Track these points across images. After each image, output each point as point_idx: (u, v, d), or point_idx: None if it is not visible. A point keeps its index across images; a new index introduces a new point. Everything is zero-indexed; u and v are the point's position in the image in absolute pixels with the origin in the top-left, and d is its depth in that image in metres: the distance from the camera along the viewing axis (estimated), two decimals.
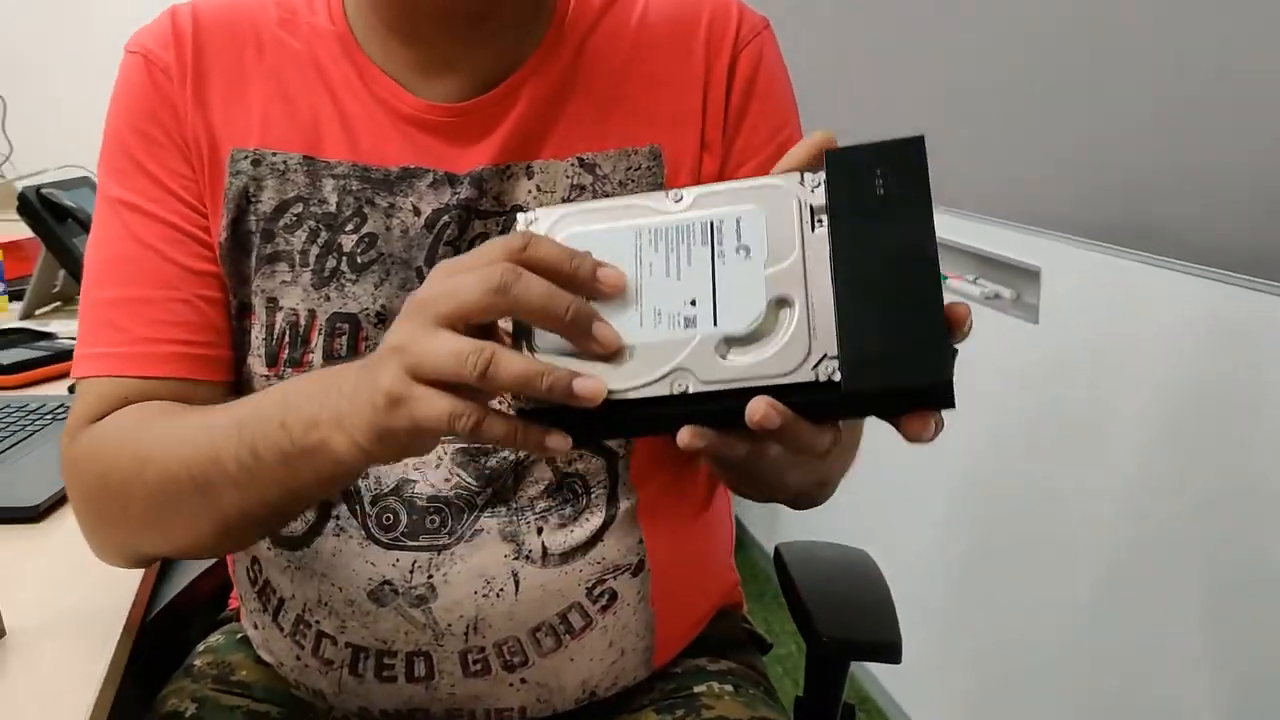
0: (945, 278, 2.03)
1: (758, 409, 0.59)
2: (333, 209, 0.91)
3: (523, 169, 0.92)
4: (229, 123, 0.93)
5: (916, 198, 0.61)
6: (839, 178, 0.63)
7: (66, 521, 1.12)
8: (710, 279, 0.63)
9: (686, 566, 1.02)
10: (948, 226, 2.01)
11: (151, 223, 0.92)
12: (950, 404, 0.59)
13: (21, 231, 2.09)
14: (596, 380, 0.62)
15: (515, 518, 0.92)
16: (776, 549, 1.26)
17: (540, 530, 0.93)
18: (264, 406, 0.77)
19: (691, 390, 0.61)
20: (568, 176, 0.92)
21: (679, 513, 1.01)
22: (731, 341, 0.61)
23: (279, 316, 0.92)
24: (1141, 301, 1.56)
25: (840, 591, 1.21)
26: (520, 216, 0.68)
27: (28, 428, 1.38)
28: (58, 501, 1.16)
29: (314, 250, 0.91)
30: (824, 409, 0.61)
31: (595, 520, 0.94)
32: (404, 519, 0.92)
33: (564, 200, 0.92)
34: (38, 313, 2.05)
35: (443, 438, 0.70)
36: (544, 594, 0.93)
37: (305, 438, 0.71)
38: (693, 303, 0.63)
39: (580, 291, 0.63)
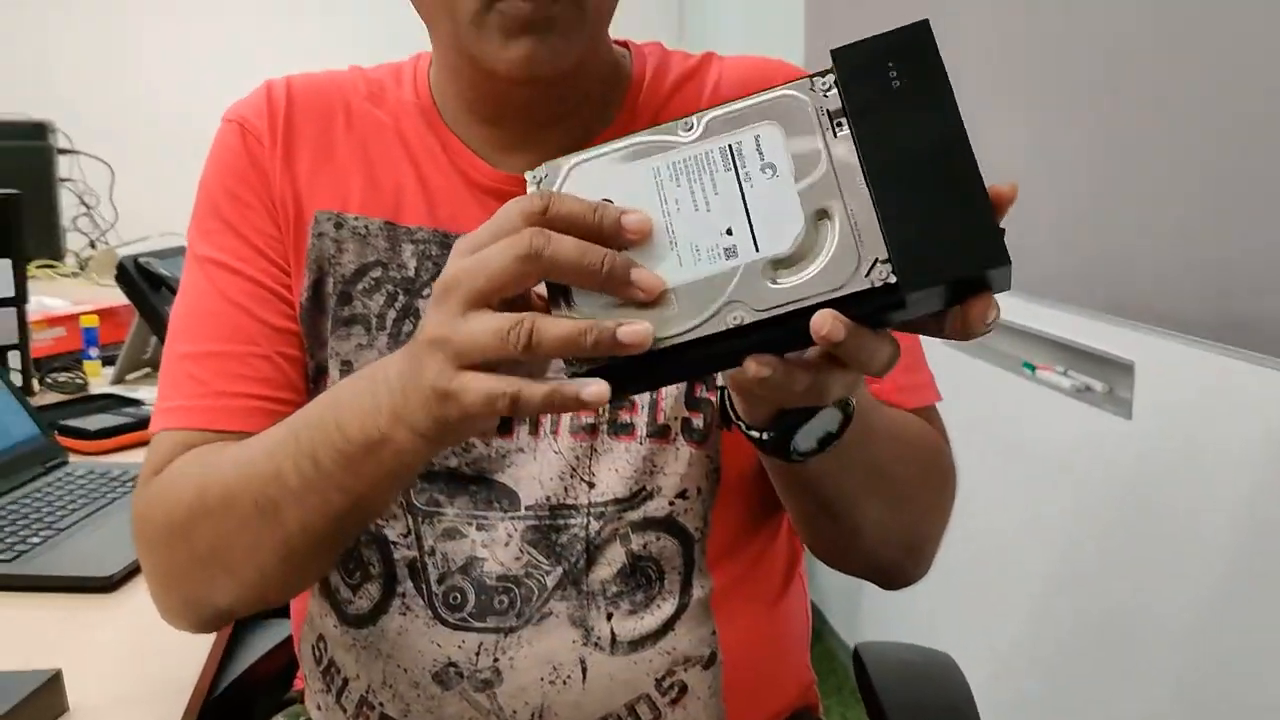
0: (1032, 366, 1.99)
1: (823, 322, 0.57)
2: (411, 273, 0.93)
3: None
4: (314, 187, 0.95)
5: (934, 84, 0.60)
6: (851, 77, 0.61)
7: (138, 593, 1.12)
8: (742, 204, 0.61)
9: (760, 661, 0.99)
10: (1035, 315, 1.97)
11: (237, 279, 0.93)
12: (1008, 285, 0.58)
13: (120, 298, 2.14)
14: (641, 324, 0.60)
15: (585, 602, 0.91)
16: (856, 649, 1.22)
17: (610, 616, 0.91)
18: (316, 414, 0.77)
19: (747, 321, 0.59)
20: None
21: (754, 603, 0.98)
22: (778, 264, 0.60)
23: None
24: (1241, 400, 1.50)
25: (921, 696, 1.17)
26: (528, 175, 0.65)
27: (108, 494, 1.40)
28: (131, 572, 1.17)
29: (391, 314, 0.93)
30: (884, 315, 0.60)
31: (667, 608, 0.92)
32: (472, 598, 0.91)
33: None
34: (128, 378, 2.09)
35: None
36: (612, 684, 0.91)
37: (365, 437, 0.71)
38: (729, 231, 0.61)
39: (609, 243, 0.61)
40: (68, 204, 3.59)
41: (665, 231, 0.61)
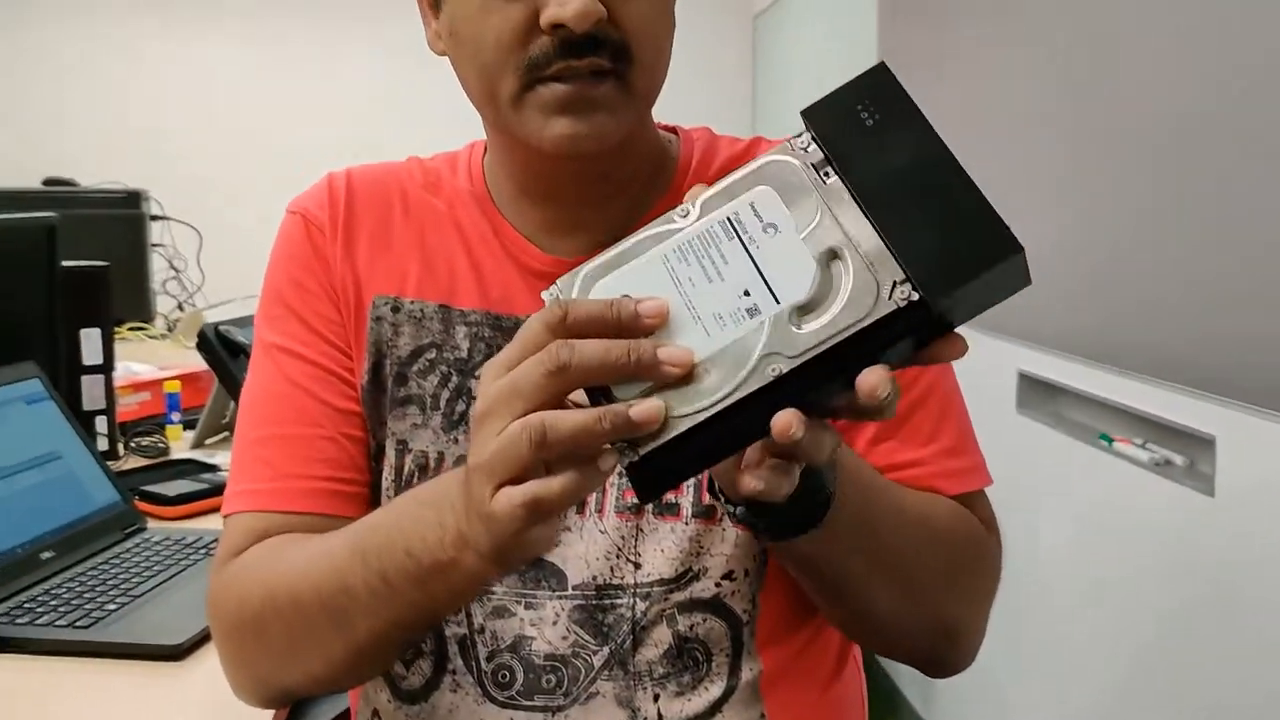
0: (1110, 438, 1.95)
1: (786, 423, 0.59)
2: (464, 355, 0.95)
3: None
4: (373, 273, 0.97)
5: (904, 112, 0.62)
6: (825, 128, 0.63)
7: (206, 661, 1.14)
8: (753, 266, 0.62)
9: None
10: (1112, 386, 1.94)
11: (301, 364, 0.96)
12: (1025, 276, 0.60)
13: (203, 363, 2.19)
14: (651, 402, 0.61)
15: (632, 682, 0.91)
16: None
17: (657, 697, 0.91)
18: (384, 535, 0.78)
19: (785, 370, 0.60)
20: None
21: (806, 686, 0.97)
22: (801, 311, 0.61)
23: (408, 459, 0.95)
24: None
25: None
26: (545, 295, 0.66)
27: (181, 562, 1.43)
28: (200, 640, 1.19)
29: (445, 394, 0.95)
30: (920, 332, 0.60)
31: (715, 690, 0.92)
32: (520, 677, 0.91)
33: None
34: (207, 442, 2.13)
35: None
36: None
37: (434, 560, 0.73)
38: (746, 293, 0.62)
39: (630, 334, 0.62)
40: (158, 268, 3.70)
41: (686, 309, 0.63)
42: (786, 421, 0.59)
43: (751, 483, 0.65)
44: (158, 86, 5.20)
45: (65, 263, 1.94)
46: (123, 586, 1.34)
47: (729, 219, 0.64)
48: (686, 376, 0.61)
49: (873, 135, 0.62)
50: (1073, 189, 2.20)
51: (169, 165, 4.69)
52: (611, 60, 0.84)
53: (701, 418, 0.61)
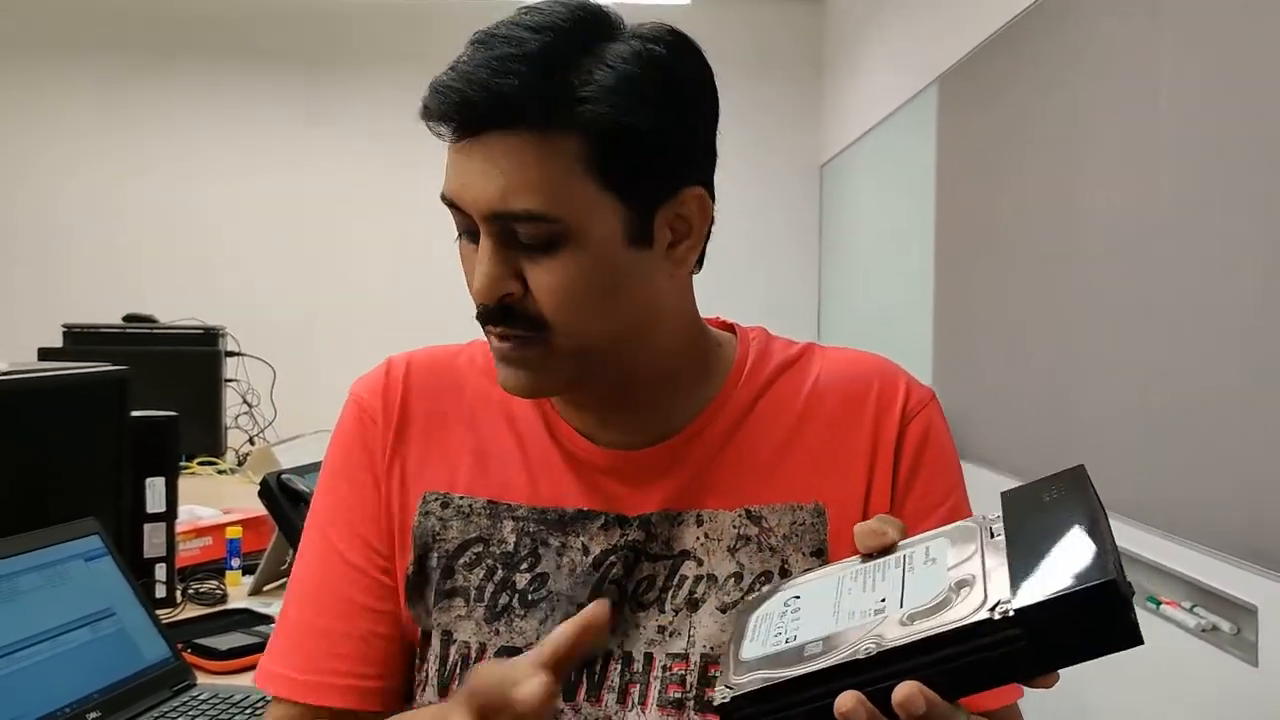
0: (1157, 601, 1.92)
1: (907, 694, 0.62)
2: (510, 548, 0.97)
3: (693, 516, 0.96)
4: (424, 467, 1.00)
5: (1079, 489, 0.69)
6: (1013, 505, 0.71)
7: None
8: (900, 585, 0.68)
9: None
10: (1164, 551, 1.91)
11: (343, 564, 1.00)
12: (1122, 612, 0.60)
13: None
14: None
15: None
16: None
17: None
18: None
19: (875, 651, 0.63)
20: (734, 527, 0.95)
21: None
22: (915, 616, 0.65)
23: (452, 649, 0.96)
24: None
25: None
26: (718, 693, 0.70)
27: None
28: None
29: (489, 587, 0.97)
30: (1006, 649, 0.62)
31: None
32: None
33: (729, 549, 0.95)
34: (265, 589, 2.15)
35: None
36: None
37: None
38: (882, 601, 0.68)
39: None
40: (231, 402, 3.77)
41: (832, 609, 0.70)
42: (850, 705, 0.62)
43: None
44: (235, 224, 5.37)
45: (135, 413, 1.99)
46: None
47: (908, 554, 0.72)
48: (794, 651, 0.67)
49: (1046, 507, 0.69)
50: (1129, 361, 2.20)
51: (246, 301, 4.82)
52: (528, 329, 0.88)
53: (793, 674, 0.65)
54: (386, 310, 5.27)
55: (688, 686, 0.93)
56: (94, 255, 5.34)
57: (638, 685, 0.93)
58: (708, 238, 0.95)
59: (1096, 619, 0.61)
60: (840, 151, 4.87)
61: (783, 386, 1.00)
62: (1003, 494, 0.72)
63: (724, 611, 0.94)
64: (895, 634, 0.64)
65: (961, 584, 0.65)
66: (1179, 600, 1.89)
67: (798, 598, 0.73)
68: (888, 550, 0.73)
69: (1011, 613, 0.61)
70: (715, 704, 0.67)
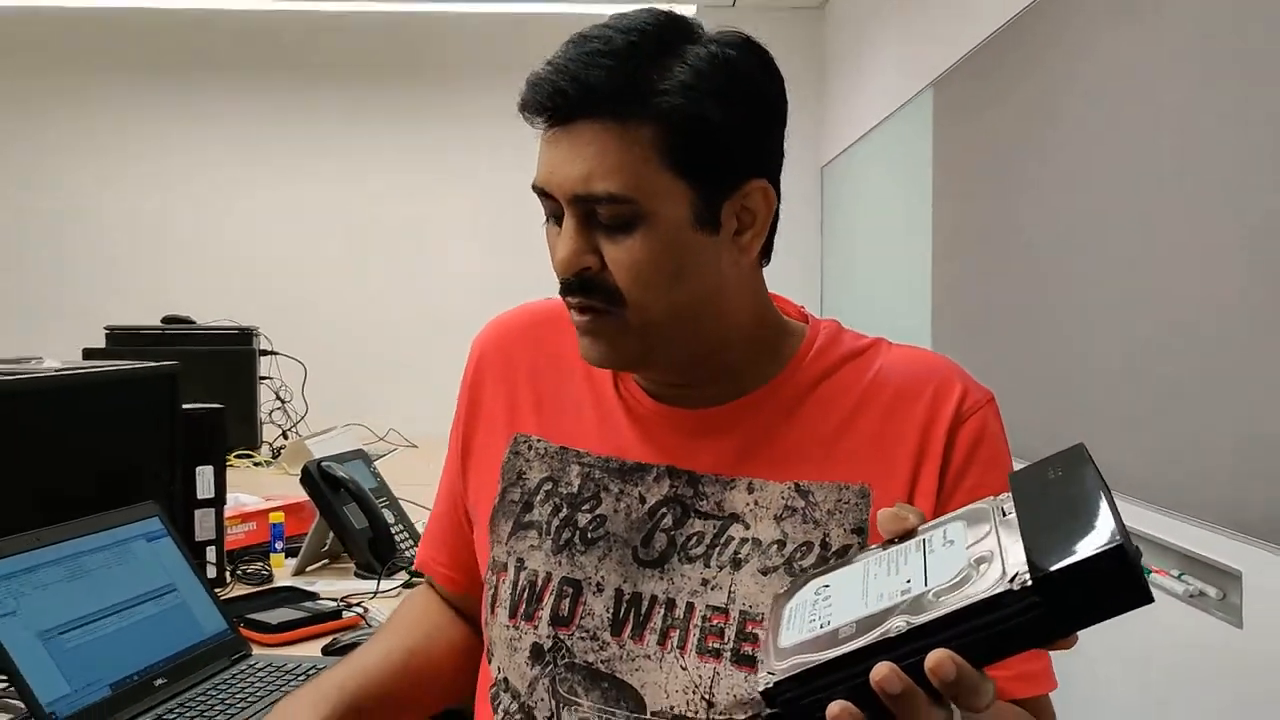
0: (1150, 571, 1.96)
1: (939, 661, 0.66)
2: (575, 490, 1.05)
3: (744, 483, 1.01)
4: (516, 410, 1.12)
5: (1081, 465, 0.72)
6: (1021, 485, 0.74)
7: None
8: (923, 567, 0.72)
9: None
10: (1152, 522, 1.96)
11: (447, 477, 1.21)
12: (1146, 594, 0.64)
13: (304, 492, 2.28)
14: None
15: None
16: None
17: None
18: None
19: (905, 628, 0.67)
20: (783, 498, 1.00)
21: None
22: (940, 592, 0.68)
23: (523, 575, 1.05)
24: None
25: None
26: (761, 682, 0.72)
27: (282, 688, 1.49)
28: None
29: (555, 522, 1.05)
30: (1038, 627, 0.65)
31: None
32: None
33: (775, 518, 1.00)
34: (308, 570, 2.21)
35: None
36: None
37: None
38: (908, 581, 0.71)
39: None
40: (265, 398, 3.82)
41: (861, 593, 0.73)
42: (885, 674, 0.66)
43: None
44: (268, 232, 5.43)
45: (185, 405, 2.05)
46: (228, 712, 1.41)
47: (927, 539, 0.75)
48: (830, 636, 0.70)
49: (1051, 484, 0.72)
50: (1119, 350, 2.24)
51: (278, 303, 4.88)
52: (605, 302, 0.95)
53: (830, 656, 0.68)
54: (409, 311, 5.33)
55: (725, 639, 0.97)
56: (132, 261, 5.40)
57: (677, 630, 0.98)
58: (773, 231, 1.01)
59: (1108, 582, 0.64)
60: (840, 153, 4.91)
61: (846, 374, 1.04)
62: (1010, 476, 0.76)
63: (765, 574, 0.98)
64: (923, 611, 0.67)
65: (980, 560, 0.68)
66: (1168, 569, 1.93)
67: (828, 586, 0.76)
68: (908, 536, 0.77)
69: (1029, 582, 0.64)
70: (760, 689, 0.70)
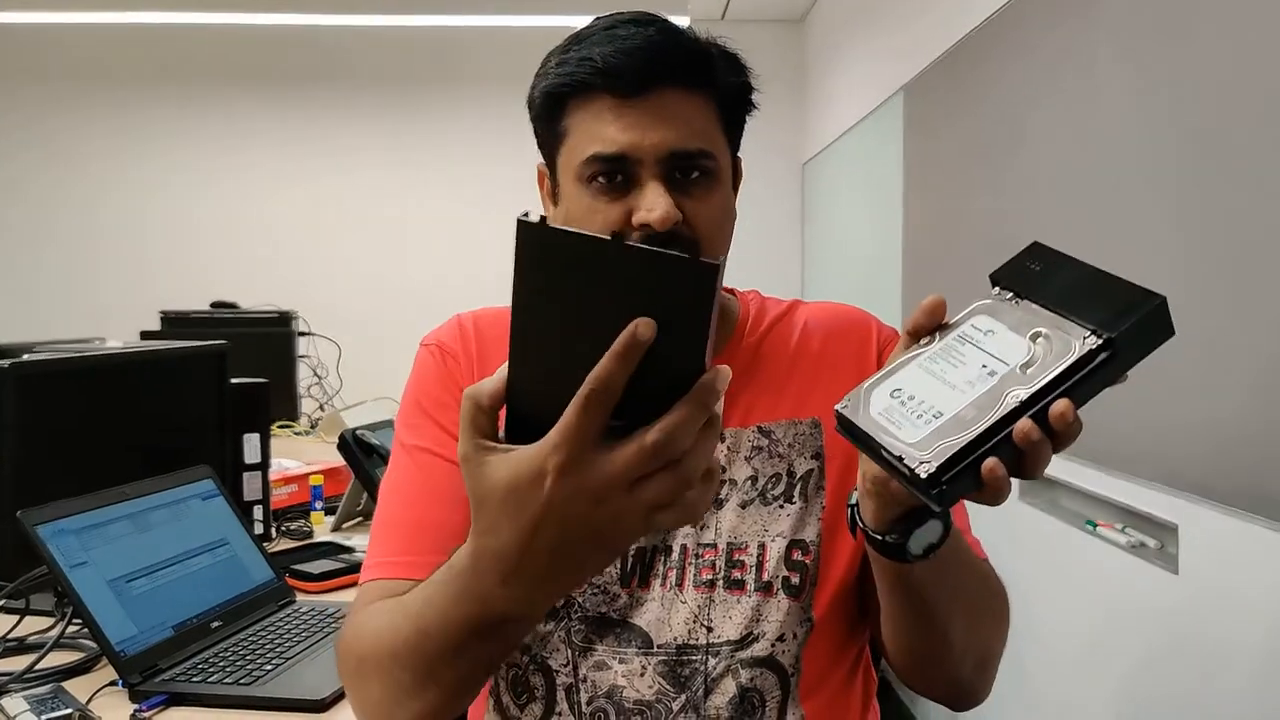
0: (1094, 523, 1.99)
1: (1061, 409, 0.70)
2: None
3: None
4: None
5: (1057, 257, 0.77)
6: (1008, 280, 0.78)
7: (344, 712, 1.23)
8: (983, 353, 0.74)
9: None
10: (1098, 481, 1.99)
11: (437, 460, 1.01)
12: (1171, 329, 0.73)
13: (341, 457, 2.30)
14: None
15: None
16: None
17: None
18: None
19: (1025, 397, 0.70)
20: (750, 440, 1.04)
21: None
22: (1025, 366, 0.72)
23: None
24: (1265, 561, 1.50)
25: None
26: (837, 407, 0.76)
27: (325, 629, 1.52)
28: (339, 695, 1.28)
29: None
30: (1106, 369, 0.71)
31: None
32: (613, 718, 0.99)
33: (745, 458, 1.03)
34: (345, 526, 2.23)
35: None
36: None
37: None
38: (984, 366, 0.73)
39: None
40: (303, 375, 3.84)
41: (942, 386, 0.74)
42: (1028, 427, 0.69)
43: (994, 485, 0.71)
44: (307, 223, 5.43)
45: (233, 379, 2.07)
46: (277, 649, 1.44)
47: (961, 334, 0.77)
48: (955, 421, 0.71)
49: (1039, 275, 0.77)
50: None
51: (316, 287, 4.89)
52: (685, 251, 0.94)
53: (971, 436, 0.70)
54: (437, 295, 5.33)
55: (716, 570, 1.00)
56: (182, 251, 5.40)
57: (674, 570, 1.00)
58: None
59: (1155, 326, 0.72)
60: (820, 151, 4.92)
61: (781, 330, 1.10)
62: (991, 275, 0.79)
63: (744, 508, 1.02)
64: (1025, 383, 0.71)
65: (1036, 336, 0.73)
66: (1112, 522, 1.96)
67: (900, 389, 0.75)
68: (930, 334, 0.78)
69: (1104, 339, 0.70)
70: (922, 476, 0.69)
